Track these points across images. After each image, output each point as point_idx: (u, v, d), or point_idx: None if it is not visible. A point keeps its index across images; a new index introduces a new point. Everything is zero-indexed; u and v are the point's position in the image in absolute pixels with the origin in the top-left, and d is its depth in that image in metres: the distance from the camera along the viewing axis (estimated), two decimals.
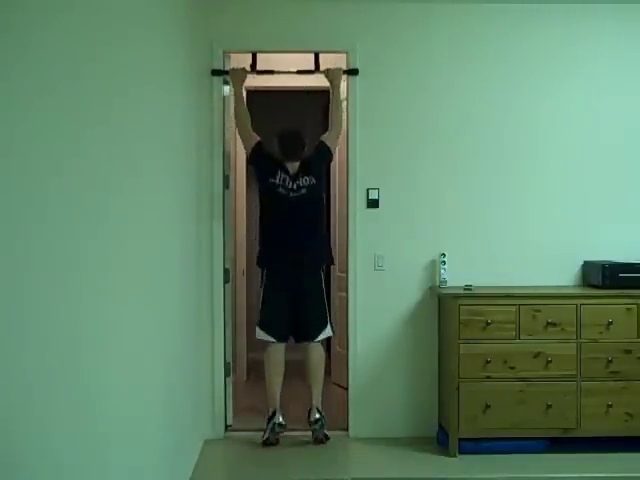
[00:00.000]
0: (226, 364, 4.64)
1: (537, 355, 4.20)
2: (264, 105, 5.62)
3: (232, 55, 4.71)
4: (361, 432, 4.58)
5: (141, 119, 2.75)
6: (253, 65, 4.73)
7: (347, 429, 4.62)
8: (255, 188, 5.05)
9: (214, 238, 4.55)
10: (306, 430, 4.45)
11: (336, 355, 5.27)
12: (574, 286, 4.63)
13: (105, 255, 2.21)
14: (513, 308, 4.23)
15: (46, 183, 1.72)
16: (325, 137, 4.58)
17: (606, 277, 4.36)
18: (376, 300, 4.61)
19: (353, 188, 4.63)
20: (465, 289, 4.39)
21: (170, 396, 3.34)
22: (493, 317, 4.21)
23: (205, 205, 4.50)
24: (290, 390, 4.62)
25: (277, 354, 4.44)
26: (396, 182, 4.63)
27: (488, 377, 4.20)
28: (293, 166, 4.49)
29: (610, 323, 4.22)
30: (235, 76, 4.56)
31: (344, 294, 4.80)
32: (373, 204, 4.61)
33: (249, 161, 4.74)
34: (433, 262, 4.61)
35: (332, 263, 4.84)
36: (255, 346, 5.81)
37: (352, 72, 4.60)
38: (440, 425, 4.50)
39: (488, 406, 4.18)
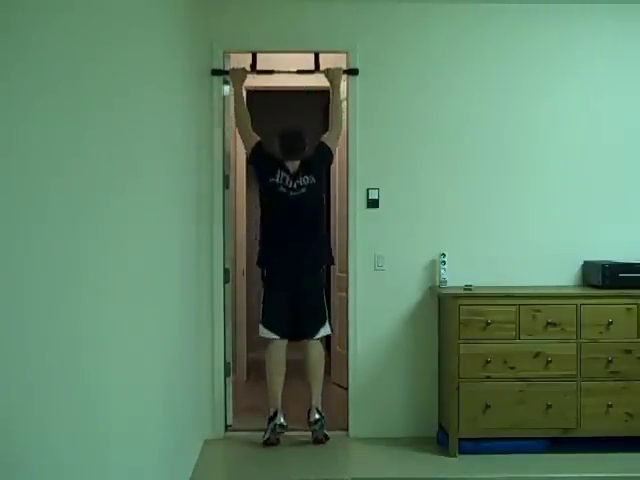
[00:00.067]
0: (226, 364, 4.64)
1: (537, 355, 4.20)
2: (264, 105, 5.62)
3: (232, 55, 4.70)
4: (361, 432, 4.58)
5: (141, 119, 2.75)
6: (253, 65, 4.73)
7: (347, 429, 4.62)
8: (255, 188, 5.05)
9: (214, 238, 4.55)
10: (306, 430, 4.45)
11: (336, 355, 5.27)
12: (574, 286, 4.63)
13: (105, 255, 2.21)
14: (513, 308, 4.23)
15: (46, 183, 1.72)
16: (325, 137, 4.58)
17: (606, 277, 4.36)
18: (376, 300, 4.61)
19: (353, 188, 4.63)
20: (465, 289, 4.39)
21: (170, 396, 3.34)
22: (493, 317, 4.21)
23: (205, 205, 4.49)
24: (290, 390, 4.61)
25: (279, 353, 4.43)
26: (396, 182, 4.63)
27: (488, 377, 4.20)
28: (293, 165, 4.49)
29: (610, 323, 4.22)
30: (235, 76, 4.56)
31: (344, 294, 4.80)
32: (373, 204, 4.62)
33: (249, 161, 4.74)
34: (433, 262, 4.61)
35: (332, 263, 4.84)
36: (255, 346, 5.82)
37: (352, 72, 4.60)
38: (440, 425, 4.50)
39: (488, 406, 4.18)
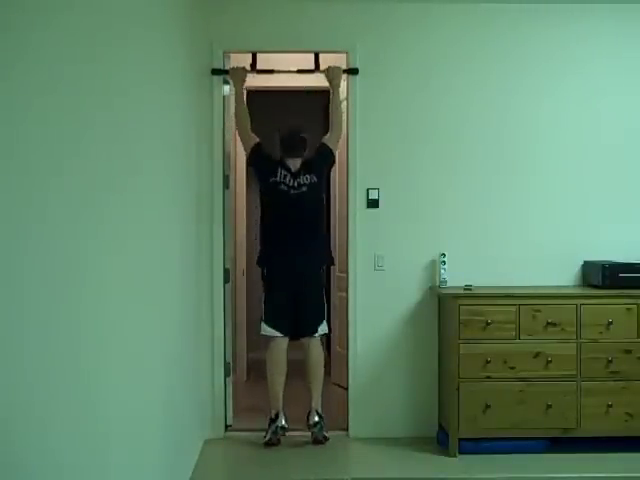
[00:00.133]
0: (226, 364, 4.64)
1: (537, 355, 4.20)
2: (264, 105, 5.62)
3: (232, 55, 4.70)
4: (361, 432, 4.58)
5: (141, 119, 2.75)
6: (253, 65, 4.73)
7: (347, 429, 4.62)
8: (255, 188, 5.05)
9: (214, 238, 4.55)
10: (306, 431, 4.45)
11: (336, 355, 5.26)
12: (574, 286, 4.63)
13: (105, 255, 2.21)
14: (513, 308, 4.23)
15: (46, 183, 1.72)
16: (326, 139, 4.58)
17: (606, 277, 4.36)
18: (376, 300, 4.61)
19: (353, 188, 4.63)
20: (465, 289, 4.39)
21: (170, 396, 3.34)
22: (493, 317, 4.21)
23: (205, 205, 4.49)
24: (290, 390, 4.61)
25: (280, 352, 4.42)
26: (396, 182, 4.63)
27: (488, 377, 4.20)
28: (295, 164, 4.49)
29: (610, 323, 4.22)
30: (235, 75, 4.56)
31: (344, 294, 4.80)
32: (373, 204, 4.62)
33: (249, 162, 4.74)
34: (433, 262, 4.61)
35: (332, 264, 4.84)
36: (255, 346, 5.82)
37: (352, 72, 4.60)
38: (440, 425, 4.50)
39: (488, 406, 4.18)
